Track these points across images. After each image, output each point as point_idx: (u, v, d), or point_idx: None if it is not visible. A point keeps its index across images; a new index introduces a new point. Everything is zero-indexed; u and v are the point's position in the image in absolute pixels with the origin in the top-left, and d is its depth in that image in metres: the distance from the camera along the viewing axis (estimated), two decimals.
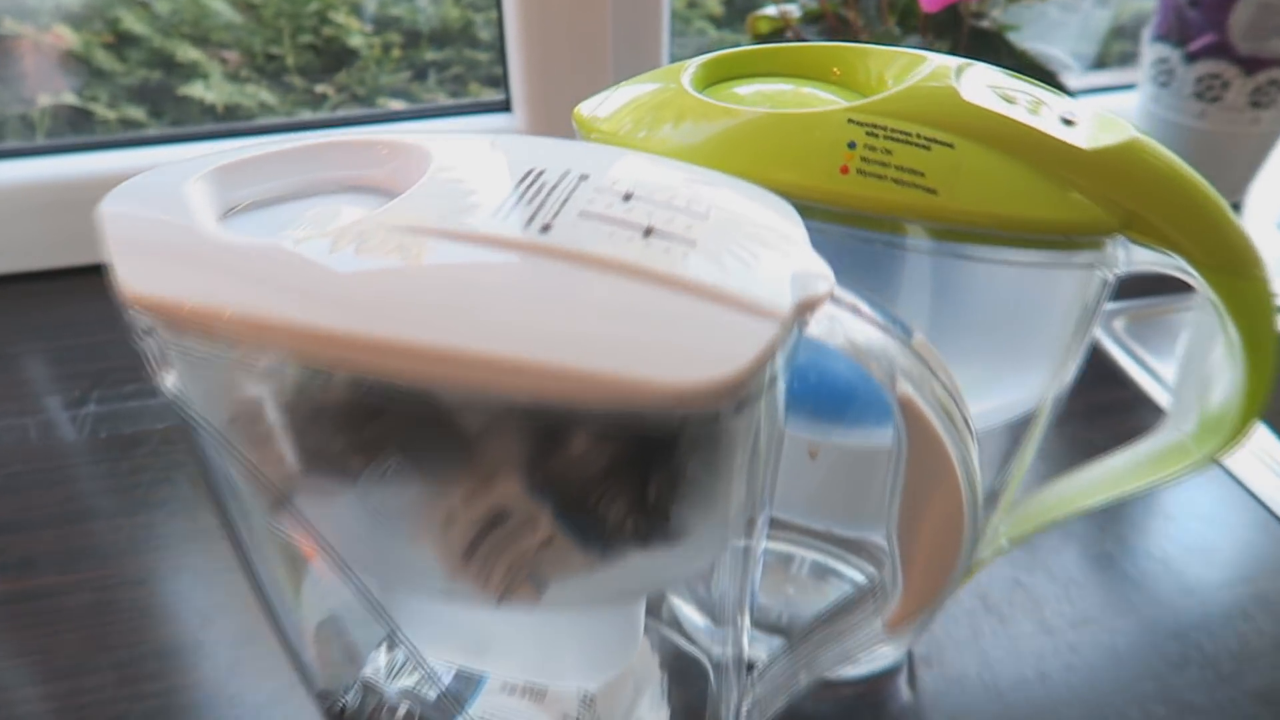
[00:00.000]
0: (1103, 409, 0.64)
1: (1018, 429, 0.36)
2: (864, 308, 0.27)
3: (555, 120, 0.84)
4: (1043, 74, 0.66)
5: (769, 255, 0.26)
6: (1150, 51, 0.89)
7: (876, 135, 0.30)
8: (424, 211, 0.25)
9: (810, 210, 0.30)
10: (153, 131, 1.05)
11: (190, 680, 0.47)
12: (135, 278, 0.24)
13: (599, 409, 0.23)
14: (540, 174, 0.27)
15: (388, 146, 0.30)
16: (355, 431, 0.25)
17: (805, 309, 0.25)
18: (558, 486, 0.26)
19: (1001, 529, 0.41)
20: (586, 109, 0.36)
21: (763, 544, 0.31)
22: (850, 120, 0.31)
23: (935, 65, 0.33)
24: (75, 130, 1.06)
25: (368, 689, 0.38)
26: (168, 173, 0.29)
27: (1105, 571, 0.54)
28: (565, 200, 0.26)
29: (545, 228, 0.25)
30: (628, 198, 0.26)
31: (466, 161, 0.28)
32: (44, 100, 1.05)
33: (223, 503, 0.31)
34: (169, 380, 0.27)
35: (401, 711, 0.37)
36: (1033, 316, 0.33)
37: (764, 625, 0.47)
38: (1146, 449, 0.38)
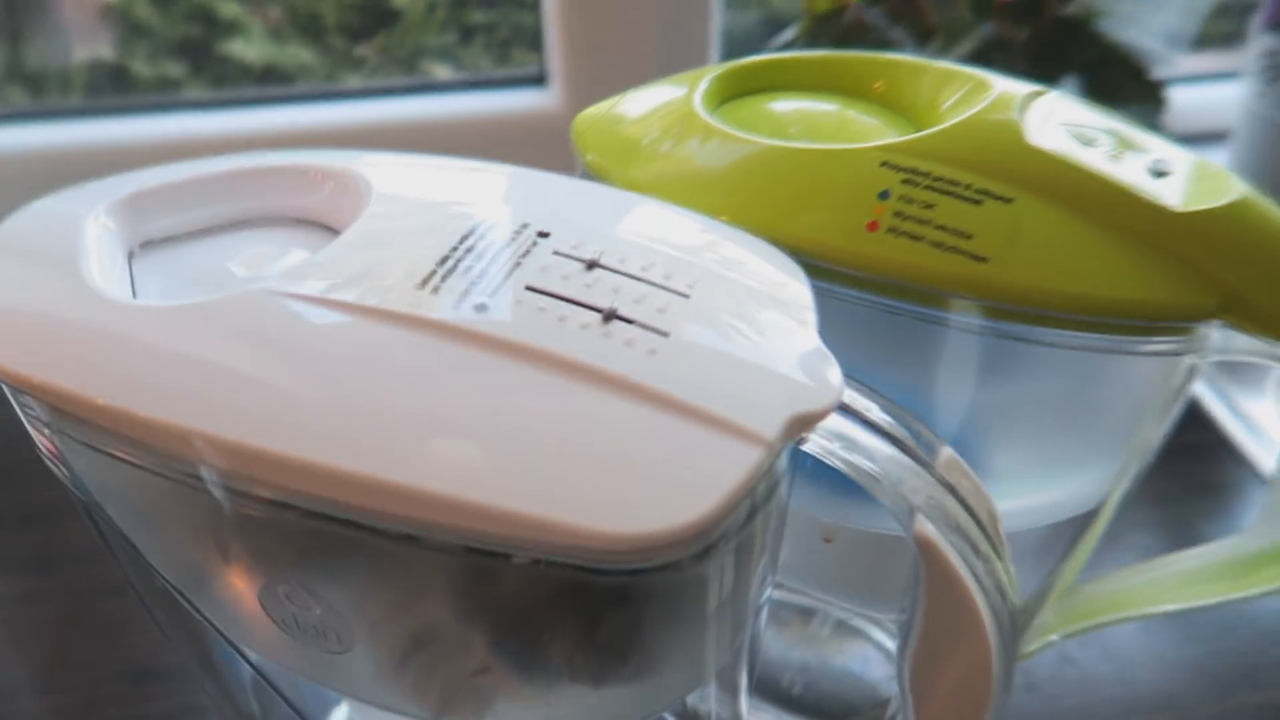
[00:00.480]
0: (1180, 453, 0.57)
1: (1077, 523, 0.31)
2: (878, 414, 0.21)
3: (590, 99, 0.78)
4: (1131, 69, 0.59)
5: (762, 350, 0.20)
6: (1258, 42, 0.79)
7: (916, 184, 0.25)
8: (341, 276, 0.21)
9: (830, 273, 0.25)
10: (191, 94, 1.02)
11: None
12: (8, 348, 0.20)
13: (527, 551, 0.18)
14: (490, 229, 0.22)
15: (322, 174, 0.25)
16: (253, 542, 0.21)
17: (801, 426, 0.20)
18: (489, 617, 0.21)
19: (1052, 619, 0.35)
20: (586, 120, 0.31)
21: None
22: (885, 164, 0.25)
23: (999, 93, 0.27)
24: (113, 87, 1.04)
25: None
26: (73, 200, 0.25)
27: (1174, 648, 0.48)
28: (514, 268, 0.21)
29: (480, 307, 0.20)
30: (591, 266, 0.21)
31: (406, 203, 0.23)
32: (81, 55, 1.03)
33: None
34: (52, 456, 0.23)
35: None
36: (1101, 406, 0.27)
37: (772, 695, 0.42)
38: (1231, 551, 0.32)
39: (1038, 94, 0.27)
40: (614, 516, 0.17)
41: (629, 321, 0.20)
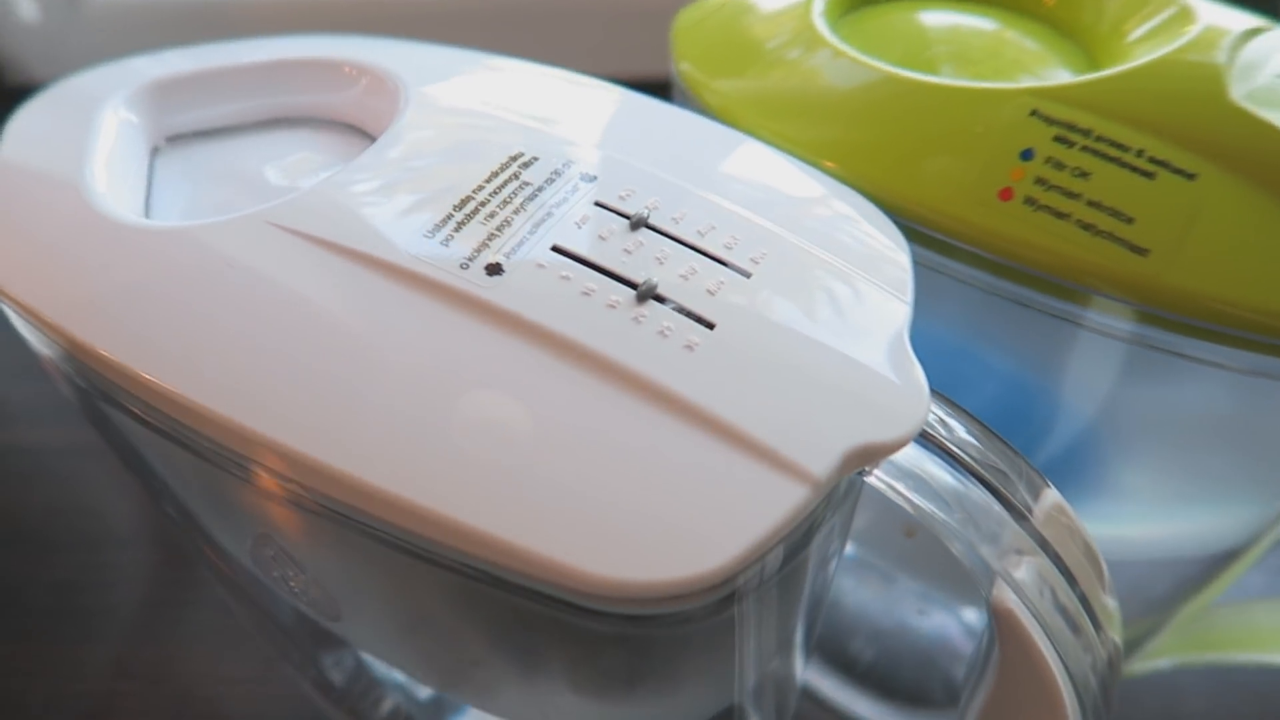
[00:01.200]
0: None
1: (1217, 559, 0.26)
2: (962, 441, 0.17)
3: None
4: None
5: (830, 355, 0.16)
6: None
7: (1071, 143, 0.20)
8: (347, 209, 0.18)
9: (945, 246, 0.20)
10: None
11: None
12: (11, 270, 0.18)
13: (515, 579, 0.15)
14: (525, 165, 0.19)
15: (355, 69, 0.22)
16: (237, 498, 0.19)
17: (864, 459, 0.16)
18: (483, 623, 0.19)
19: (1168, 641, 0.31)
20: (688, 19, 0.27)
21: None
22: (1034, 113, 0.20)
23: (1204, 27, 0.21)
24: None
25: (360, 665, 0.34)
26: (91, 87, 0.22)
27: None
28: (543, 219, 0.17)
29: (493, 268, 0.17)
30: (637, 225, 0.18)
31: (439, 118, 0.20)
32: None
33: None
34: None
35: (388, 706, 0.33)
36: (1268, 437, 0.22)
37: (837, 660, 0.39)
38: None
39: (1256, 31, 0.21)
40: (612, 559, 0.14)
41: (668, 304, 0.16)
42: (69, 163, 0.20)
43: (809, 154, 0.22)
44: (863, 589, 0.40)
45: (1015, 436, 0.25)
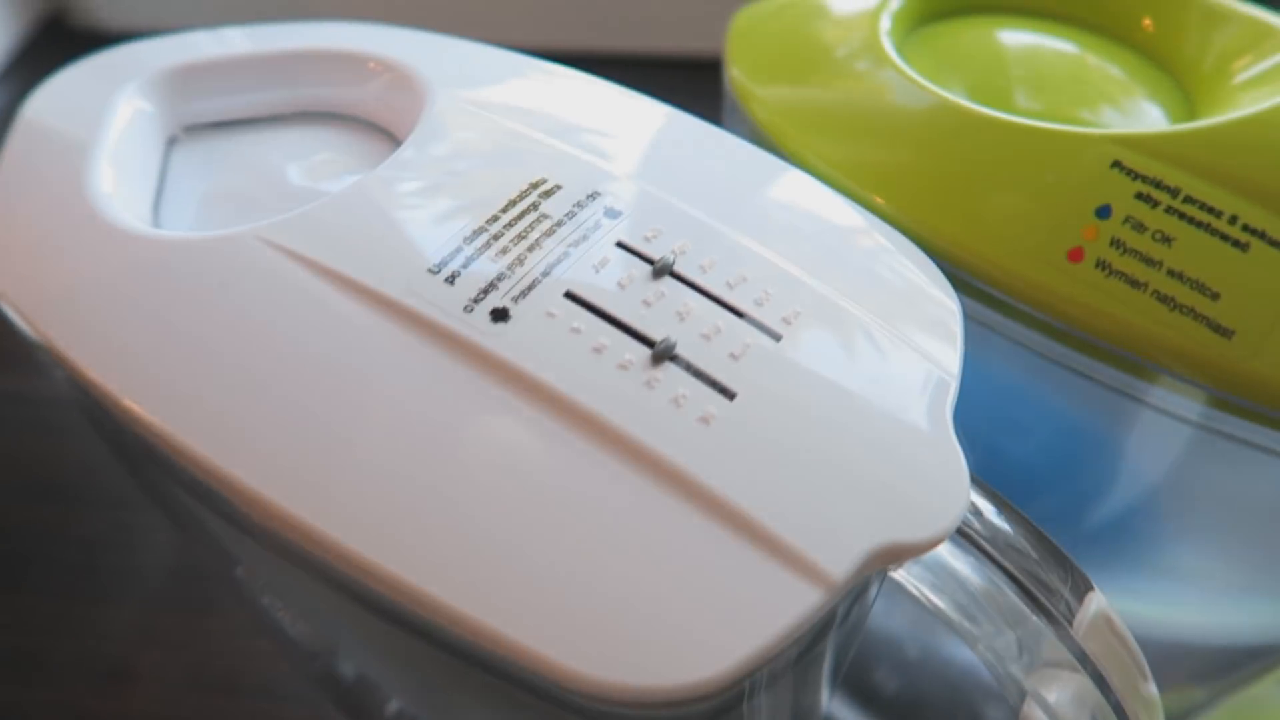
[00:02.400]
0: None
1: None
2: (997, 534, 0.15)
3: None
4: None
5: (860, 436, 0.15)
6: None
7: (1155, 202, 0.17)
8: (350, 230, 0.16)
9: (1002, 305, 0.18)
10: None
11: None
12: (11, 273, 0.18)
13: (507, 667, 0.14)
14: (546, 194, 0.17)
15: (379, 64, 0.21)
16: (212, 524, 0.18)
17: (889, 559, 0.14)
18: (473, 690, 0.18)
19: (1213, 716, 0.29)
20: (748, 20, 0.25)
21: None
22: (1117, 164, 0.18)
23: None
24: None
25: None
26: (104, 72, 0.21)
27: None
28: (559, 260, 0.16)
29: (499, 314, 0.15)
30: (660, 272, 0.16)
31: (459, 129, 0.19)
32: None
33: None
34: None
35: (393, 708, 0.33)
36: None
37: (857, 688, 0.38)
38: None
39: None
40: (607, 658, 0.13)
41: (687, 368, 0.15)
42: (75, 154, 0.19)
43: (858, 185, 0.20)
44: (888, 616, 0.38)
45: (1061, 493, 0.23)
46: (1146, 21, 0.22)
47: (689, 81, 0.31)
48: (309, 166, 0.21)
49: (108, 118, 0.20)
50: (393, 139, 0.21)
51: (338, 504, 0.14)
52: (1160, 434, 0.19)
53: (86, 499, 0.45)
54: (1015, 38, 0.22)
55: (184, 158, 0.21)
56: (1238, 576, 0.21)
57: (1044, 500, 0.23)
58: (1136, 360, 0.17)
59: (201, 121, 0.22)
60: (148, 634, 0.42)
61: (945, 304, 0.17)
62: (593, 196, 0.17)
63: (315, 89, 0.21)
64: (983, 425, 0.22)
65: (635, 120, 0.20)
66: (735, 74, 0.24)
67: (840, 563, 0.14)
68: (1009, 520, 0.16)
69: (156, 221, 0.20)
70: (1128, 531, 0.22)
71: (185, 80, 0.21)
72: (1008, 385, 0.21)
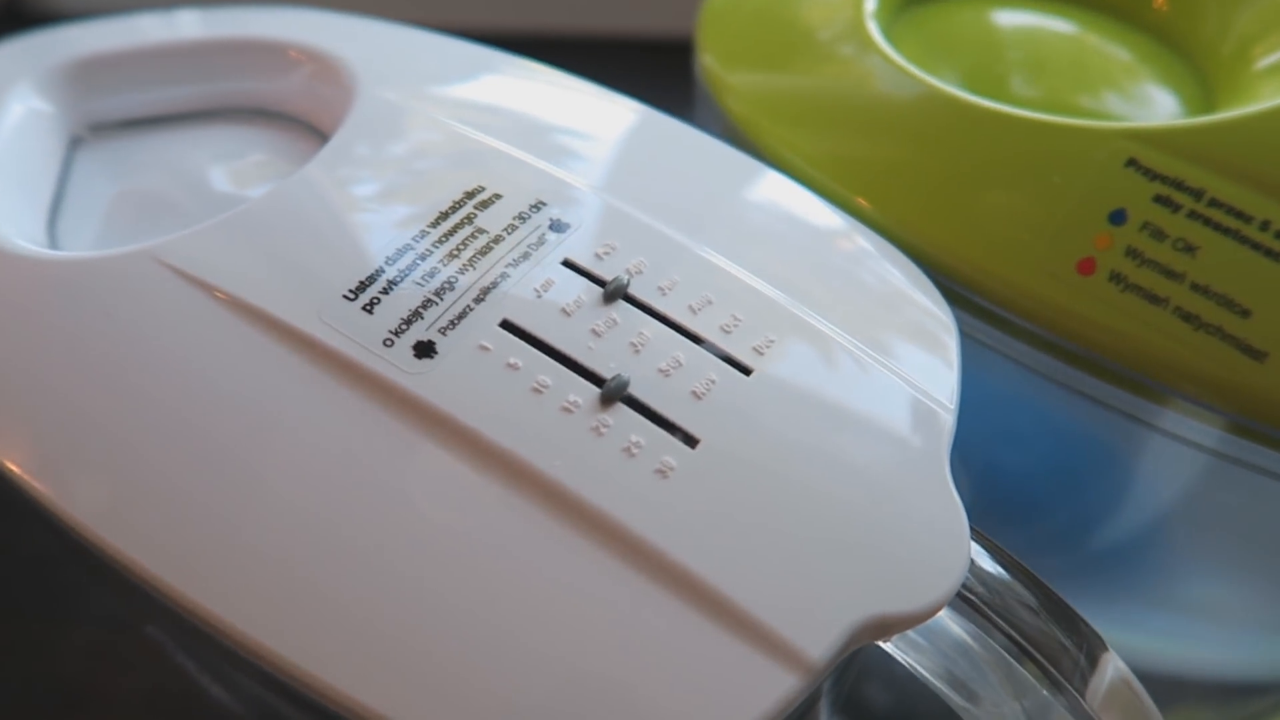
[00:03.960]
0: None
1: None
2: (1004, 599, 0.13)
3: None
4: None
5: (842, 488, 0.13)
6: None
7: (1176, 206, 0.15)
8: (255, 260, 0.14)
9: (1003, 321, 0.16)
10: None
11: None
12: None
13: None
14: (485, 203, 0.15)
15: (301, 53, 0.18)
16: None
17: (876, 634, 0.12)
18: None
19: None
20: (721, 5, 0.22)
21: None
22: (1132, 162, 0.16)
23: None
24: None
25: None
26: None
27: None
28: (495, 282, 0.14)
29: (423, 348, 0.13)
30: (613, 295, 0.14)
31: (390, 130, 0.16)
32: None
33: None
34: None
35: None
36: None
37: (847, 709, 0.36)
38: None
39: None
40: None
41: (641, 410, 0.13)
42: None
43: (842, 186, 0.18)
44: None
45: (1063, 515, 0.22)
46: (1159, 0, 0.20)
47: (658, 66, 0.29)
48: (232, 169, 0.19)
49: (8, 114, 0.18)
50: (322, 137, 0.19)
51: (228, 582, 0.12)
52: (1174, 460, 0.17)
53: (37, 515, 0.43)
54: (1014, 18, 0.20)
55: (90, 161, 0.19)
56: (1253, 611, 0.20)
57: (1044, 522, 0.21)
58: (1155, 385, 0.15)
59: (110, 120, 0.19)
60: (102, 655, 0.40)
61: (939, 324, 0.15)
62: (537, 207, 0.15)
63: (235, 82, 0.19)
64: (980, 436, 0.21)
65: (589, 117, 0.17)
66: (707, 62, 0.21)
67: (819, 642, 0.12)
68: (1012, 574, 0.14)
69: (52, 236, 0.17)
70: (1135, 560, 0.20)
71: (87, 75, 0.19)
72: (1008, 396, 0.19)
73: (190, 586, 0.12)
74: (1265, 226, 0.15)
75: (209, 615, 0.12)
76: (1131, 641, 0.21)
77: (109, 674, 0.39)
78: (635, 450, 0.13)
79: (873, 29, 0.19)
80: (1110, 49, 0.19)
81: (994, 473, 0.21)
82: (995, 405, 0.19)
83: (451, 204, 0.15)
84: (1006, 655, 0.13)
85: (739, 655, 0.12)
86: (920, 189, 0.17)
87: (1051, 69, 0.19)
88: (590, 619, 0.12)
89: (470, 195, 0.15)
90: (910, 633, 0.13)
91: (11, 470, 0.13)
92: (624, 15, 0.38)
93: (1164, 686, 0.22)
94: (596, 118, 0.17)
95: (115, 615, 0.40)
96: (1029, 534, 0.21)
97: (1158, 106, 0.18)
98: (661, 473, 0.12)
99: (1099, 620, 0.21)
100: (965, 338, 0.17)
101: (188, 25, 0.19)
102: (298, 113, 0.19)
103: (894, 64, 0.18)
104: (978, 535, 0.14)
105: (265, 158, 0.19)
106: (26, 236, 0.16)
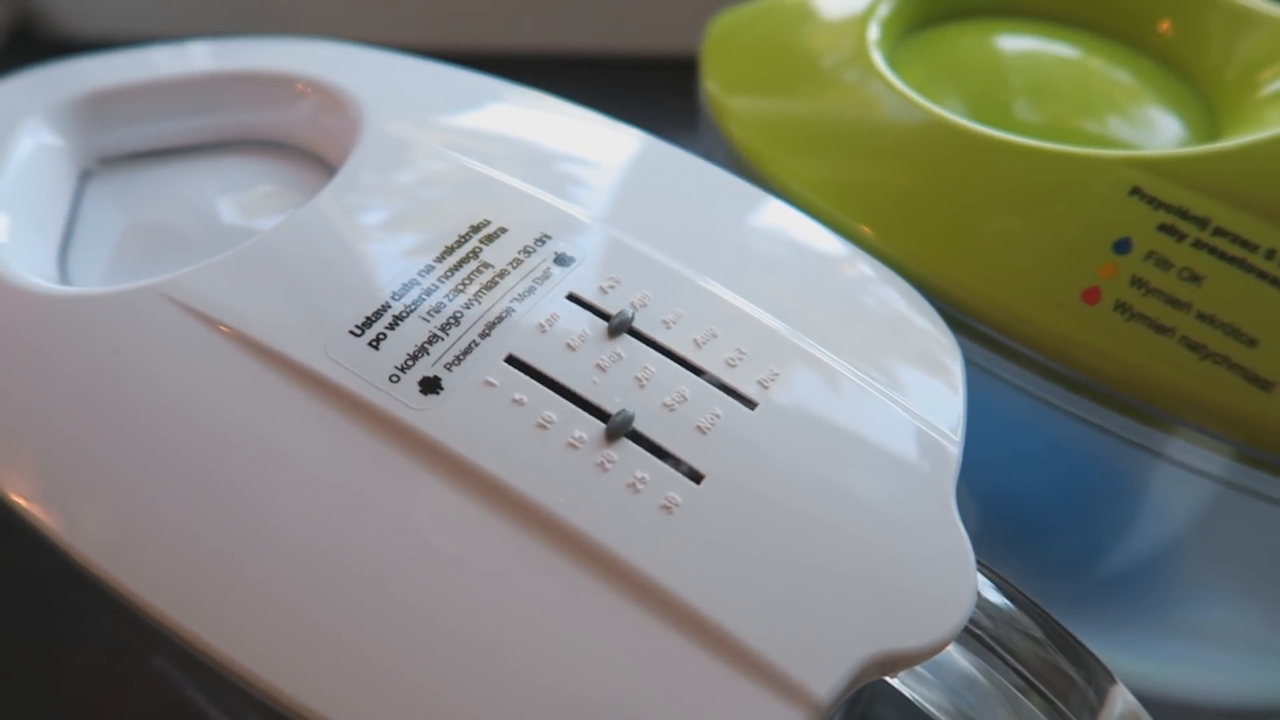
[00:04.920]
0: None
1: None
2: (1011, 634, 0.13)
3: None
4: None
5: (849, 523, 0.13)
6: None
7: (1181, 235, 0.15)
8: (261, 295, 0.14)
9: (1007, 350, 0.16)
10: None
11: None
12: None
13: None
14: (491, 237, 0.15)
15: (307, 85, 0.19)
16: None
17: (883, 670, 0.12)
18: None
19: None
20: (725, 28, 0.23)
21: None
22: (1136, 191, 0.16)
23: None
24: None
25: None
26: (8, 98, 0.19)
27: None
28: (500, 317, 0.14)
29: (429, 384, 0.13)
30: (618, 330, 0.14)
31: (396, 164, 0.17)
32: None
33: None
34: None
35: None
36: None
37: None
38: None
39: None
40: None
41: (646, 445, 0.13)
42: None
43: (845, 214, 0.18)
44: None
45: (1070, 541, 0.21)
46: (1164, 25, 0.20)
47: (661, 84, 0.29)
48: (240, 201, 0.19)
49: (3, 154, 0.18)
50: (330, 168, 0.19)
51: (232, 617, 0.12)
52: (1179, 489, 0.17)
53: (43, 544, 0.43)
54: (1017, 44, 0.20)
55: (100, 194, 0.19)
56: (1262, 638, 0.19)
57: (1053, 548, 0.21)
58: (1161, 414, 0.15)
59: (119, 153, 0.20)
60: (108, 678, 0.40)
61: (944, 354, 0.15)
62: (542, 240, 0.15)
63: (242, 114, 0.19)
64: (988, 463, 0.21)
65: (593, 147, 0.18)
66: (711, 87, 0.21)
67: (826, 679, 0.12)
68: (1018, 607, 0.14)
69: (63, 269, 0.18)
70: (1143, 587, 0.20)
71: (96, 108, 0.19)
72: (1016, 424, 0.19)
73: (194, 622, 0.12)
74: (1271, 255, 0.15)
75: (213, 651, 0.12)
76: (1141, 668, 0.21)
77: (115, 696, 0.39)
78: (640, 486, 0.13)
79: (876, 56, 0.19)
80: (1114, 74, 0.20)
81: (1002, 499, 0.21)
82: (1003, 432, 0.20)
83: (458, 238, 0.15)
84: (1014, 689, 0.13)
85: (745, 693, 0.12)
86: (923, 217, 0.17)
87: (1055, 95, 0.19)
88: (595, 657, 0.12)
89: (476, 229, 0.15)
90: (917, 667, 0.13)
91: (18, 503, 0.13)
92: (628, 34, 0.38)
93: (1174, 713, 0.22)
94: (600, 148, 0.18)
95: (121, 638, 0.40)
96: (1037, 560, 0.21)
97: (1162, 132, 0.18)
98: (666, 508, 0.13)
99: (1107, 646, 0.21)
100: (971, 366, 0.17)
101: (196, 58, 0.20)
102: (305, 144, 0.19)
103: (896, 91, 0.18)
104: (984, 567, 0.14)
105: (274, 189, 0.19)
106: (37, 270, 0.17)
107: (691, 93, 0.24)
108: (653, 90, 0.28)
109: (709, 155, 0.20)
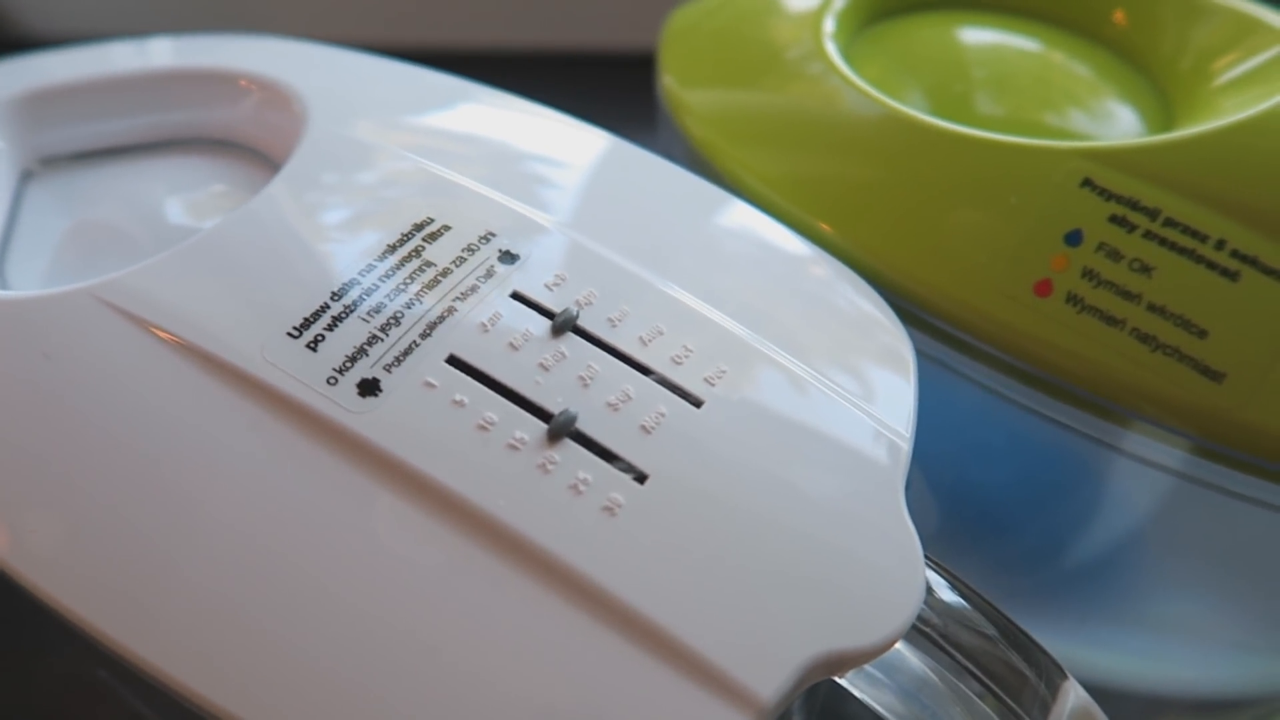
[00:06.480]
0: None
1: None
2: (960, 631, 0.13)
3: None
4: None
5: (793, 521, 0.13)
6: None
7: (1132, 227, 0.15)
8: (196, 298, 0.14)
9: (961, 344, 0.16)
10: None
11: None
12: None
13: None
14: (434, 235, 0.15)
15: (251, 81, 0.18)
16: None
17: (827, 671, 0.12)
18: None
19: None
20: (683, 23, 0.22)
21: None
22: (1086, 182, 0.16)
23: None
24: None
25: None
26: None
27: None
28: (443, 316, 0.14)
29: (368, 386, 0.13)
30: (562, 328, 0.14)
31: (338, 161, 0.16)
32: None
33: None
34: None
35: None
36: None
37: None
38: None
39: None
40: None
41: (589, 445, 0.13)
42: None
43: (799, 208, 0.18)
44: None
45: (1032, 534, 0.21)
46: (1118, 15, 0.20)
47: (621, 81, 0.29)
48: (189, 201, 0.19)
49: None
50: (277, 167, 0.19)
51: (166, 630, 0.12)
52: (1139, 482, 0.17)
53: None
54: (972, 36, 0.20)
55: (41, 195, 0.19)
56: (1224, 630, 0.19)
57: (1014, 542, 0.21)
58: (1113, 407, 0.15)
59: (62, 153, 0.19)
60: (78, 686, 0.39)
61: (896, 350, 0.15)
62: (486, 238, 0.15)
63: (187, 112, 0.19)
64: (947, 459, 0.20)
65: (541, 143, 0.17)
66: (668, 83, 0.21)
67: (770, 681, 0.11)
68: (970, 604, 0.14)
69: (1, 273, 0.17)
70: (1105, 580, 0.20)
71: (35, 108, 0.18)
72: (974, 419, 0.19)
73: (124, 633, 0.12)
74: (1221, 245, 0.15)
75: (145, 664, 0.12)
76: (1106, 662, 0.21)
77: (85, 704, 0.39)
78: (583, 487, 0.12)
79: (830, 49, 0.19)
80: (1070, 66, 0.19)
81: (963, 495, 0.21)
82: (963, 428, 0.19)
83: (400, 236, 0.15)
84: (965, 689, 0.13)
85: (688, 696, 0.11)
86: (877, 211, 0.17)
87: (1011, 87, 0.19)
88: (535, 661, 0.12)
89: (419, 227, 0.15)
90: (867, 667, 0.13)
91: None
92: (588, 30, 0.38)
93: (1139, 706, 0.22)
94: (548, 144, 0.17)
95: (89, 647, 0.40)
96: (999, 555, 0.21)
97: (1117, 124, 0.18)
98: (609, 510, 0.12)
99: (1072, 640, 0.21)
100: (930, 362, 0.17)
101: (138, 56, 0.19)
102: (251, 142, 0.19)
103: (850, 84, 0.18)
104: (935, 564, 0.14)
105: (223, 189, 0.19)
106: None
107: (647, 91, 0.24)
108: (613, 87, 0.28)
109: (667, 153, 0.19)
